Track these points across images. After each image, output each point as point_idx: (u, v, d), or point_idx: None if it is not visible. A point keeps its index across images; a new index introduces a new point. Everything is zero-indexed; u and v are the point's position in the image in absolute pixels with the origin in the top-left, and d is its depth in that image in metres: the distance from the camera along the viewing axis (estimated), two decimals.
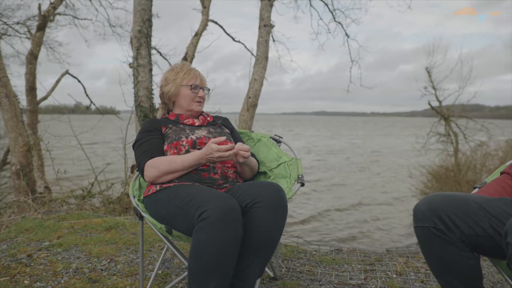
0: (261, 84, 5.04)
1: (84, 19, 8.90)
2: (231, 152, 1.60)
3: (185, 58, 5.90)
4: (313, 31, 6.99)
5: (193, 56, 5.99)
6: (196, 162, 1.65)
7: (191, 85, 1.88)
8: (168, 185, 1.64)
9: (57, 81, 8.03)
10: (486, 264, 2.36)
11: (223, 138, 1.63)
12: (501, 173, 1.57)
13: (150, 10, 4.25)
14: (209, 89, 1.98)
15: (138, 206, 1.72)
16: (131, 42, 4.33)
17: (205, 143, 1.75)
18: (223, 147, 1.59)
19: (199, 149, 1.74)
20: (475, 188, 1.58)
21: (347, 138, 42.16)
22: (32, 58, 7.13)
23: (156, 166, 1.66)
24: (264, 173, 2.02)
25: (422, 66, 14.07)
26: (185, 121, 1.89)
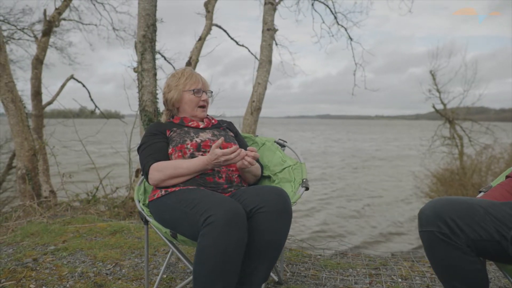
0: (265, 88, 5.05)
1: (89, 24, 8.99)
2: (236, 153, 1.60)
3: (189, 62, 5.93)
4: (315, 34, 6.99)
5: (197, 60, 6.02)
6: (202, 168, 1.65)
7: (193, 90, 1.89)
8: (173, 189, 1.65)
9: (62, 86, 8.10)
10: (492, 269, 2.34)
11: (221, 140, 1.61)
12: (506, 177, 1.56)
13: (155, 15, 4.28)
14: (211, 92, 1.99)
15: (143, 210, 1.72)
16: (135, 46, 4.35)
17: (209, 146, 1.76)
18: (228, 150, 1.59)
19: (203, 152, 1.74)
20: (480, 192, 1.58)
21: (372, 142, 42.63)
22: (37, 63, 7.20)
23: (161, 170, 1.67)
24: (269, 177, 2.02)
25: (433, 68, 14.04)
26: (189, 123, 1.90)
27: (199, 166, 1.65)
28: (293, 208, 1.57)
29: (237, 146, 1.63)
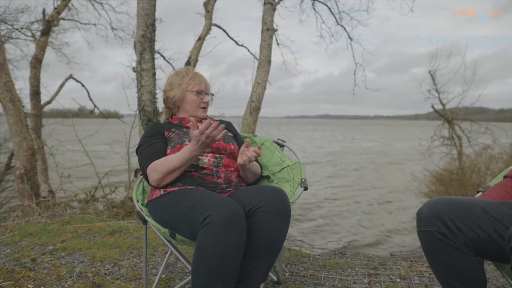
0: (264, 88, 5.04)
1: (87, 23, 8.99)
2: (213, 126, 1.51)
3: (188, 62, 5.92)
4: (319, 34, 6.98)
5: (196, 60, 6.01)
6: (190, 154, 1.60)
7: (196, 91, 1.88)
8: (172, 189, 1.65)
9: (61, 86, 8.09)
10: (490, 268, 2.34)
11: (193, 120, 1.53)
12: (505, 176, 1.56)
13: (154, 15, 4.28)
14: (213, 94, 1.98)
15: (141, 210, 1.72)
16: (134, 46, 4.35)
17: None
18: (203, 125, 1.50)
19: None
20: (478, 192, 1.58)
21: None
22: (36, 62, 7.18)
23: (155, 169, 1.66)
24: (267, 177, 2.02)
25: (432, 69, 14.05)
26: (188, 124, 1.89)
27: (186, 153, 1.61)
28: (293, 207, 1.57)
29: (216, 122, 1.53)
